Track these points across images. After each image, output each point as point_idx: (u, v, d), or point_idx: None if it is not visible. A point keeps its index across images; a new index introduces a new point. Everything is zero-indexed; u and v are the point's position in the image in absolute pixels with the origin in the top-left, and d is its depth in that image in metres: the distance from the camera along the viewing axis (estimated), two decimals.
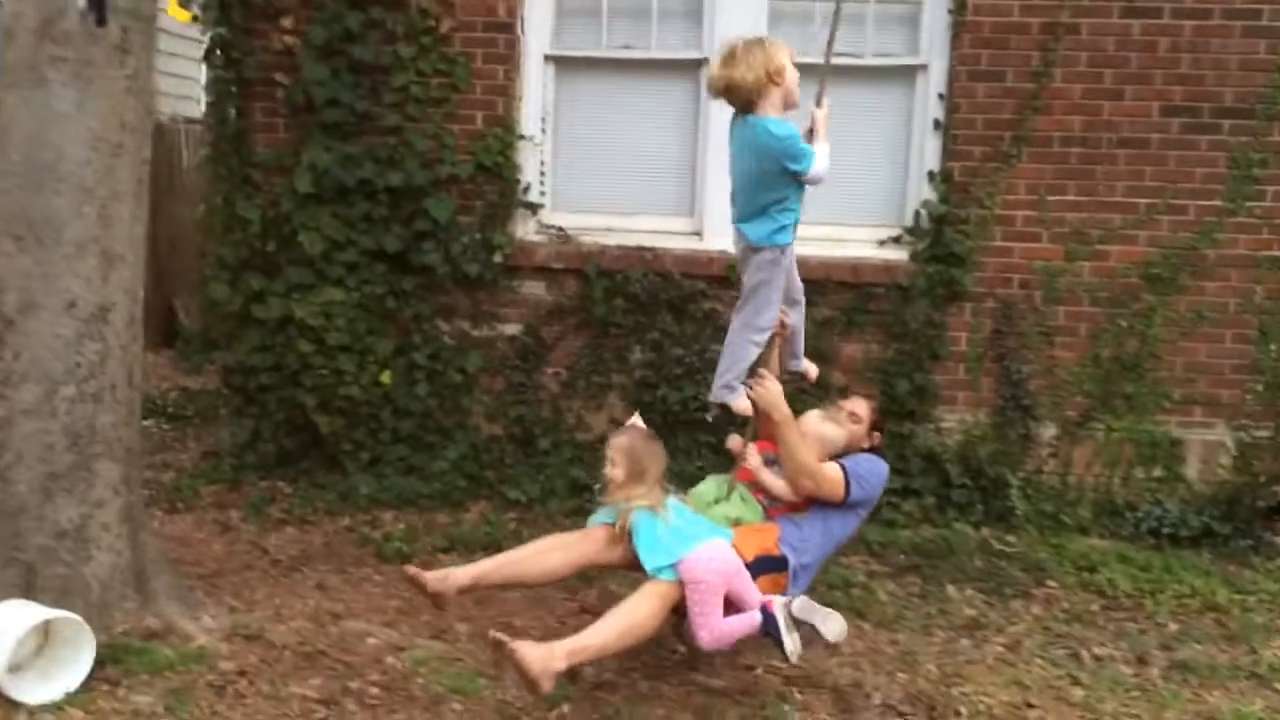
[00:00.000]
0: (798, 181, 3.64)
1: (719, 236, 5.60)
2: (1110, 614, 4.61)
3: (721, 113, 5.47)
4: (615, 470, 3.61)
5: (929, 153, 5.46)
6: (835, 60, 5.43)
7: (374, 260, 5.50)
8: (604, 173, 5.74)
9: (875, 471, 3.90)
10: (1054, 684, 3.94)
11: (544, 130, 5.68)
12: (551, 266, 5.62)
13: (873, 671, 3.96)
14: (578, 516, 5.27)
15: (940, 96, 5.41)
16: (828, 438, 3.86)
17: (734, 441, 3.95)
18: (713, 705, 3.66)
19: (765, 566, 3.65)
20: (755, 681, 3.86)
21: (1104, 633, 4.41)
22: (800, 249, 5.51)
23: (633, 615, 3.36)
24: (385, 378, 5.54)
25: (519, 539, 5.00)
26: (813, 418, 3.92)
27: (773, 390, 3.71)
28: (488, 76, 5.51)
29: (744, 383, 3.72)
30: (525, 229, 5.71)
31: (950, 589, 4.77)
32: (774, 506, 3.86)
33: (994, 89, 5.31)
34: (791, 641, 3.39)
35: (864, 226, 5.60)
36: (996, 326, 5.46)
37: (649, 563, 3.43)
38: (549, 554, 3.52)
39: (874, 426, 4.11)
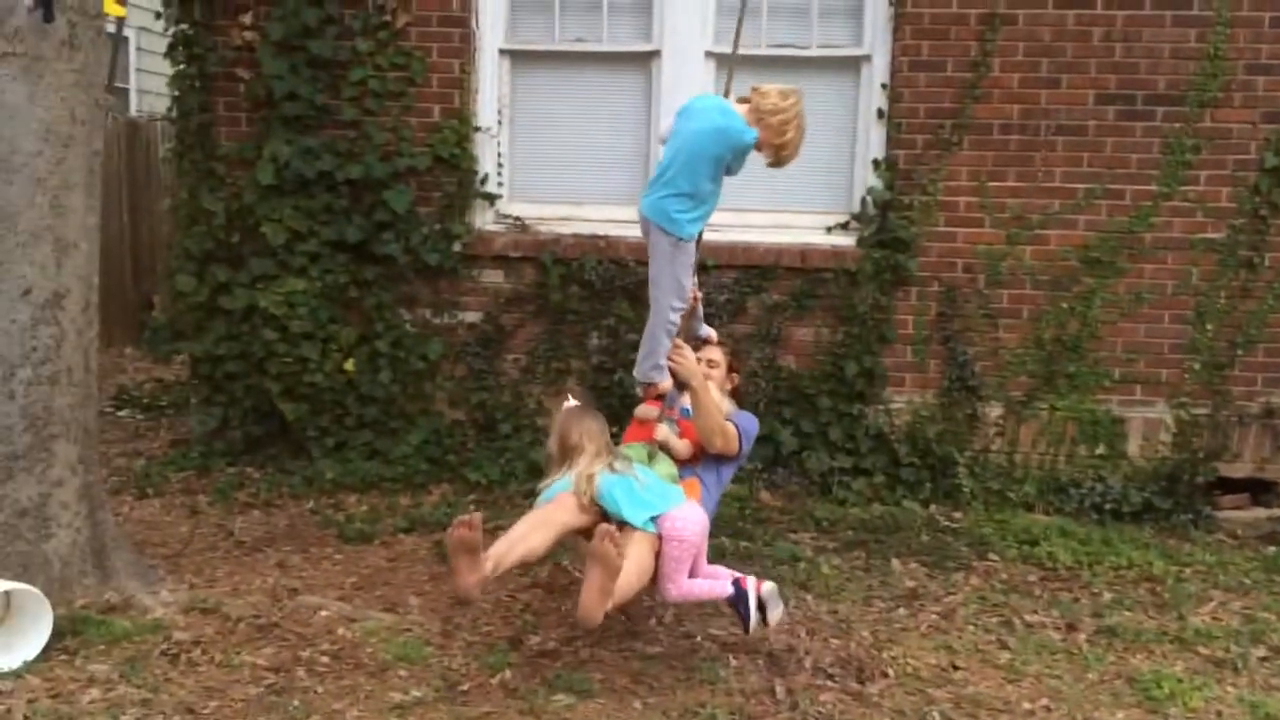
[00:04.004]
0: (729, 173, 3.86)
1: None
2: (1047, 585, 4.77)
3: (674, 103, 5.66)
4: (550, 447, 3.92)
5: (874, 141, 5.61)
6: (781, 52, 5.68)
7: (335, 250, 5.64)
8: (560, 163, 5.88)
9: (754, 427, 4.26)
10: (982, 648, 4.10)
11: (500, 122, 5.83)
12: (509, 255, 5.76)
13: (808, 638, 4.11)
14: (536, 498, 5.45)
15: (883, 86, 5.56)
16: (724, 409, 4.16)
17: (649, 412, 4.12)
18: (648, 669, 3.81)
19: None
20: (692, 648, 4.01)
21: (1038, 602, 4.57)
22: (750, 235, 5.77)
23: (641, 562, 3.57)
24: (349, 365, 5.68)
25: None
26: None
27: (690, 359, 3.98)
28: (443, 70, 5.65)
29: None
30: (483, 219, 5.86)
31: (894, 563, 4.93)
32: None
33: (935, 79, 5.46)
34: (755, 620, 3.70)
35: (812, 213, 5.75)
36: (941, 309, 5.62)
37: (636, 518, 3.62)
38: (539, 530, 3.62)
39: (730, 369, 4.39)
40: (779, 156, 3.86)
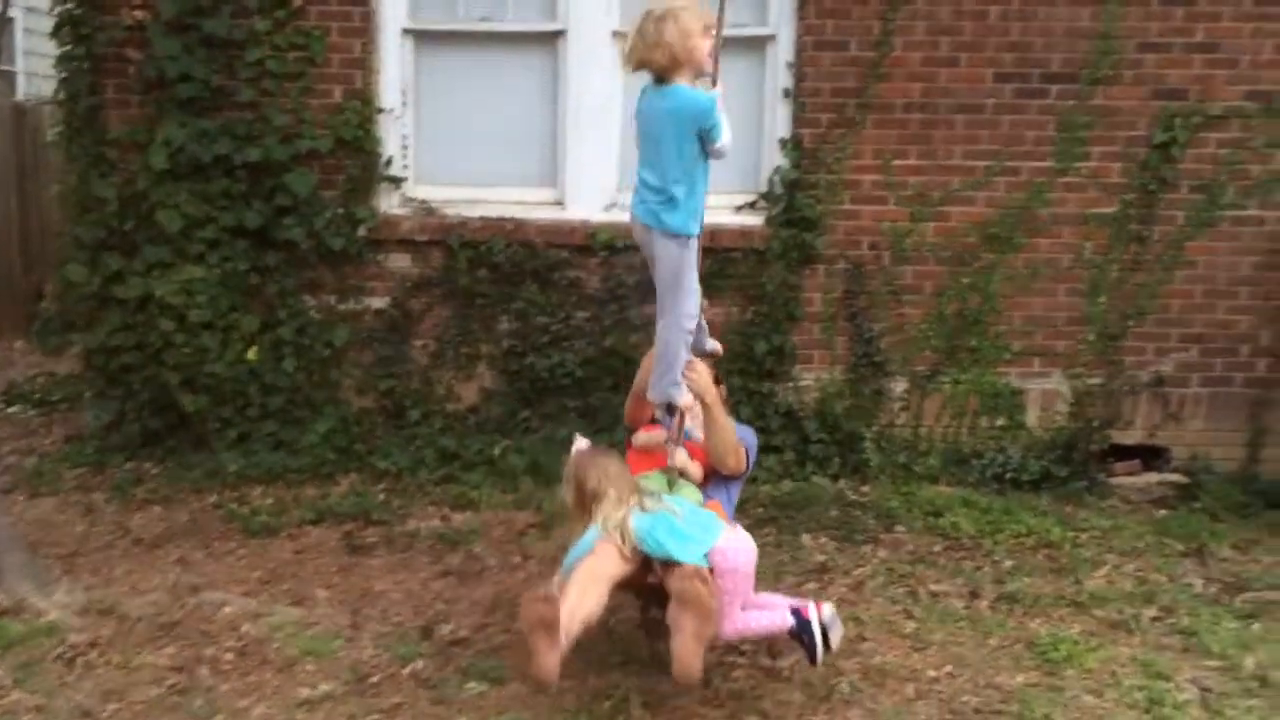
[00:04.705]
0: (708, 152, 3.53)
1: (581, 205, 5.73)
2: (951, 554, 4.89)
3: (581, 83, 5.64)
4: (565, 496, 3.61)
5: (780, 120, 5.64)
6: None
7: (235, 237, 5.49)
8: (466, 145, 5.80)
9: (755, 441, 4.10)
10: (889, 619, 4.20)
11: (405, 103, 5.72)
12: (416, 239, 5.68)
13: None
14: (447, 484, 5.43)
15: (789, 65, 5.59)
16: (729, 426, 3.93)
17: (654, 438, 3.93)
18: None
19: None
20: (605, 631, 4.01)
21: (943, 571, 4.69)
22: None
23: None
24: (252, 354, 5.55)
25: (389, 509, 5.13)
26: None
27: (704, 375, 3.75)
28: (344, 50, 5.53)
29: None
30: (389, 202, 5.75)
31: (804, 538, 5.01)
32: None
33: (839, 58, 5.50)
34: (824, 649, 3.48)
35: (721, 193, 5.71)
36: (848, 287, 5.69)
37: (690, 556, 3.33)
38: (591, 589, 3.31)
39: (716, 380, 4.17)
40: (706, 25, 3.53)
